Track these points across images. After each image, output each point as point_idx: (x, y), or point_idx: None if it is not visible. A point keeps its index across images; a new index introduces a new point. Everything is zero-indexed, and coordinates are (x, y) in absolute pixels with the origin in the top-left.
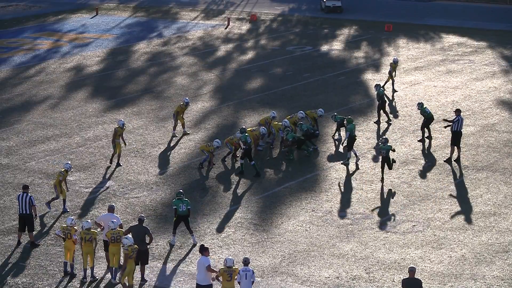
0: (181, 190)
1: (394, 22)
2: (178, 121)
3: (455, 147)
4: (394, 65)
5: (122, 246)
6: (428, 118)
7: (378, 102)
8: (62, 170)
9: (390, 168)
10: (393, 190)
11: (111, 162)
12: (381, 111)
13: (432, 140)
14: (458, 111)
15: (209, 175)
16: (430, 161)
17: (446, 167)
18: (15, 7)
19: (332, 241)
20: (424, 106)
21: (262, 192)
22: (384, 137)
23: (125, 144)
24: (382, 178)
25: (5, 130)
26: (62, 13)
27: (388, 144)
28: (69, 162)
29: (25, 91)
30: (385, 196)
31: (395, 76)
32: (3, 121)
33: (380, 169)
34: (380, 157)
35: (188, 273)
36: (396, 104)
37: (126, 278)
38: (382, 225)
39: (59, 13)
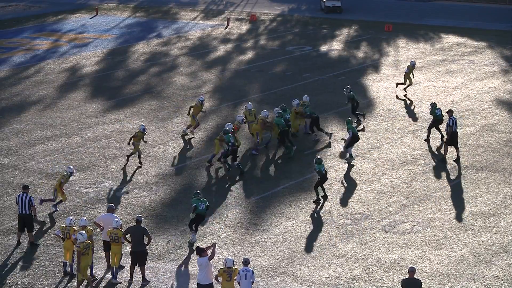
0: (198, 191)
1: (393, 22)
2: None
3: (454, 148)
4: (412, 67)
5: (74, 243)
6: (437, 120)
7: (351, 105)
8: (65, 173)
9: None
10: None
11: (127, 161)
12: (356, 112)
13: (431, 141)
14: (450, 112)
15: (208, 175)
16: (429, 162)
17: (445, 167)
18: (15, 7)
19: (332, 241)
20: (437, 107)
21: (262, 192)
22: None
23: (145, 142)
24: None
25: (5, 130)
26: (62, 13)
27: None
28: (72, 167)
29: (25, 91)
30: (384, 196)
31: (413, 77)
32: (2, 121)
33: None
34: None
35: (188, 273)
36: (402, 104)
37: (88, 272)
38: (382, 226)
39: (59, 13)
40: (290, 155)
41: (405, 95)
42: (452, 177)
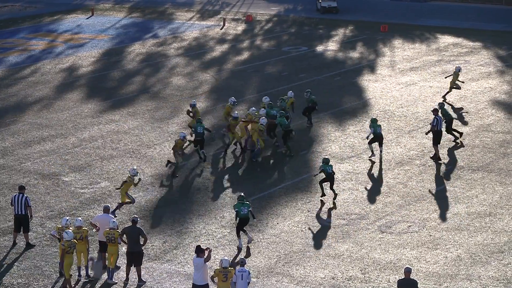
0: (242, 194)
1: (389, 22)
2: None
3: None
4: (458, 73)
5: (60, 241)
6: (448, 120)
7: (309, 105)
8: (129, 175)
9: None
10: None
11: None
12: (307, 114)
13: (428, 141)
14: (435, 111)
15: (204, 175)
16: (425, 162)
17: (441, 168)
18: (11, 8)
19: (328, 241)
20: (444, 107)
21: (258, 192)
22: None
23: (182, 155)
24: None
25: (1, 131)
26: (58, 14)
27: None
28: (135, 167)
29: (20, 92)
30: (380, 196)
31: (462, 83)
32: None
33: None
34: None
35: (184, 274)
36: (398, 105)
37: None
38: (378, 226)
39: (55, 13)
40: (291, 154)
41: (443, 100)
42: (448, 178)
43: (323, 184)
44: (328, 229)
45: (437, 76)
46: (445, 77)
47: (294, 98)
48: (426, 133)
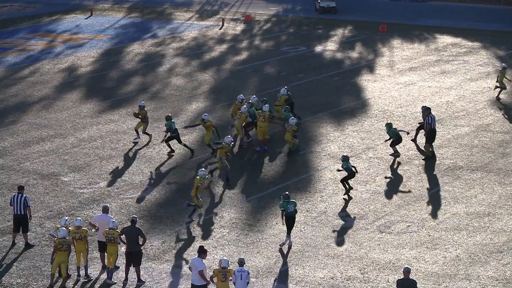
0: (287, 193)
1: (388, 22)
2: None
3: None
4: (504, 71)
5: (53, 237)
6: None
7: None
8: (198, 177)
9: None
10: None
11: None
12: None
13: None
14: (428, 110)
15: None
16: (423, 162)
17: (440, 168)
18: (10, 8)
19: (327, 241)
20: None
21: (257, 192)
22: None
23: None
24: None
25: (0, 131)
26: (57, 14)
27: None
28: (203, 169)
29: (19, 92)
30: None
31: (509, 81)
32: None
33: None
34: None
35: (183, 274)
36: (397, 105)
37: (57, 269)
38: (377, 226)
39: (54, 13)
40: (298, 152)
41: (497, 99)
42: (447, 178)
43: (345, 182)
44: (327, 229)
45: (436, 76)
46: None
47: (286, 95)
48: (424, 134)
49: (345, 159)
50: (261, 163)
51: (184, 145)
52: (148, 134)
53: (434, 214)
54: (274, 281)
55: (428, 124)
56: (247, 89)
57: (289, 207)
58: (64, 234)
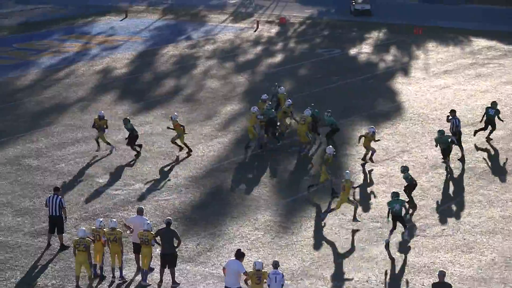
0: (396, 191)
1: (423, 25)
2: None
3: (459, 147)
4: None
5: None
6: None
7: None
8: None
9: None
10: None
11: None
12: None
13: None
14: (453, 112)
15: (237, 177)
16: (459, 165)
17: (476, 171)
18: (44, 9)
19: (362, 244)
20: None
21: (291, 195)
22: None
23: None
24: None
25: (35, 132)
26: (91, 16)
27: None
28: (331, 147)
29: (55, 94)
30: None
31: None
32: (33, 123)
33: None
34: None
35: (217, 276)
36: (432, 108)
37: (80, 269)
38: (412, 229)
39: (88, 15)
40: (300, 151)
41: None
42: (483, 181)
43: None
44: (362, 232)
45: (471, 79)
46: None
47: (285, 94)
48: (453, 135)
49: (405, 169)
50: (296, 166)
51: (134, 149)
52: (109, 144)
53: (469, 218)
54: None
55: (455, 127)
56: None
57: (395, 206)
58: (82, 235)
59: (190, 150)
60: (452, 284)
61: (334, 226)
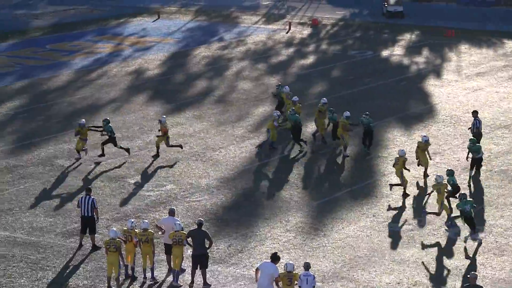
0: (464, 193)
1: (456, 27)
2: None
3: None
4: None
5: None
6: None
7: (278, 102)
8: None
9: (370, 143)
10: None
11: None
12: (279, 110)
13: (495, 146)
14: (475, 113)
15: (269, 179)
16: (491, 167)
17: (508, 174)
18: (77, 11)
19: (393, 246)
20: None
21: (323, 197)
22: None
23: (430, 158)
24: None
25: (68, 133)
26: (124, 17)
27: (370, 118)
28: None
29: (88, 95)
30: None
31: None
32: (65, 124)
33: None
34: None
35: (249, 277)
36: (464, 110)
37: (112, 270)
38: (444, 231)
39: (121, 16)
40: (369, 154)
41: None
42: None
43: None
44: (393, 234)
45: (504, 82)
46: None
47: (290, 93)
48: (473, 136)
49: (450, 173)
50: (327, 168)
51: (120, 147)
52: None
53: (501, 220)
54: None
55: (476, 128)
56: (313, 93)
57: (465, 208)
58: (113, 235)
59: (157, 155)
60: (483, 287)
61: (366, 228)
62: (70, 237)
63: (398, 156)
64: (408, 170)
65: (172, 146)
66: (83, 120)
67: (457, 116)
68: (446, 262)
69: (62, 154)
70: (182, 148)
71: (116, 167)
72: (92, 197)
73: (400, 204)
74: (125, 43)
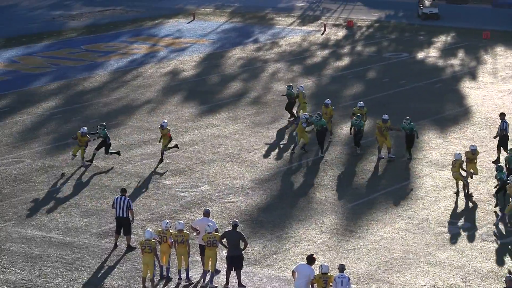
0: (500, 164)
1: (492, 29)
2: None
3: (503, 150)
4: None
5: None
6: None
7: (288, 101)
8: None
9: (411, 146)
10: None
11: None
12: (289, 110)
13: None
14: (503, 115)
15: (304, 181)
16: None
17: None
18: (113, 12)
19: (429, 249)
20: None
21: (358, 198)
22: (407, 117)
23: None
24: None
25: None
26: (159, 18)
27: (412, 123)
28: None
29: (123, 95)
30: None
31: None
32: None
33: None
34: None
35: (284, 279)
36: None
37: (147, 271)
38: (479, 234)
39: (156, 18)
40: (411, 158)
41: None
42: None
43: (498, 194)
44: (429, 236)
45: None
46: None
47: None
48: (494, 137)
49: (500, 169)
50: (363, 169)
51: (111, 153)
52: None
53: None
54: None
55: (502, 130)
56: (348, 94)
57: (503, 177)
58: (148, 236)
59: (161, 160)
60: None
61: (401, 230)
62: (105, 237)
63: (454, 159)
64: (465, 171)
65: (169, 148)
66: (85, 128)
67: (493, 119)
68: (482, 264)
69: (97, 154)
70: (178, 148)
71: (151, 168)
72: (127, 197)
73: (436, 205)
74: (160, 44)
